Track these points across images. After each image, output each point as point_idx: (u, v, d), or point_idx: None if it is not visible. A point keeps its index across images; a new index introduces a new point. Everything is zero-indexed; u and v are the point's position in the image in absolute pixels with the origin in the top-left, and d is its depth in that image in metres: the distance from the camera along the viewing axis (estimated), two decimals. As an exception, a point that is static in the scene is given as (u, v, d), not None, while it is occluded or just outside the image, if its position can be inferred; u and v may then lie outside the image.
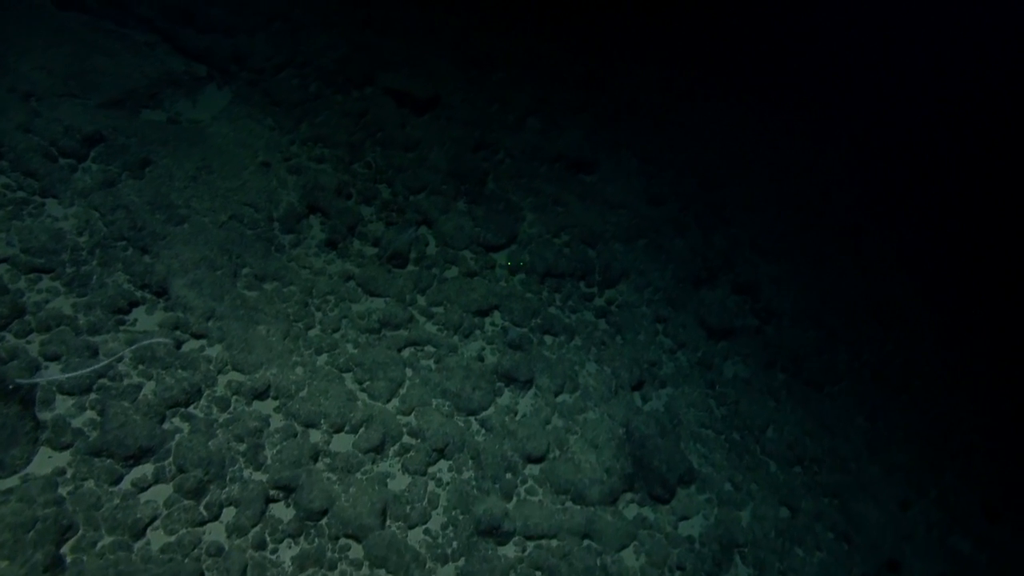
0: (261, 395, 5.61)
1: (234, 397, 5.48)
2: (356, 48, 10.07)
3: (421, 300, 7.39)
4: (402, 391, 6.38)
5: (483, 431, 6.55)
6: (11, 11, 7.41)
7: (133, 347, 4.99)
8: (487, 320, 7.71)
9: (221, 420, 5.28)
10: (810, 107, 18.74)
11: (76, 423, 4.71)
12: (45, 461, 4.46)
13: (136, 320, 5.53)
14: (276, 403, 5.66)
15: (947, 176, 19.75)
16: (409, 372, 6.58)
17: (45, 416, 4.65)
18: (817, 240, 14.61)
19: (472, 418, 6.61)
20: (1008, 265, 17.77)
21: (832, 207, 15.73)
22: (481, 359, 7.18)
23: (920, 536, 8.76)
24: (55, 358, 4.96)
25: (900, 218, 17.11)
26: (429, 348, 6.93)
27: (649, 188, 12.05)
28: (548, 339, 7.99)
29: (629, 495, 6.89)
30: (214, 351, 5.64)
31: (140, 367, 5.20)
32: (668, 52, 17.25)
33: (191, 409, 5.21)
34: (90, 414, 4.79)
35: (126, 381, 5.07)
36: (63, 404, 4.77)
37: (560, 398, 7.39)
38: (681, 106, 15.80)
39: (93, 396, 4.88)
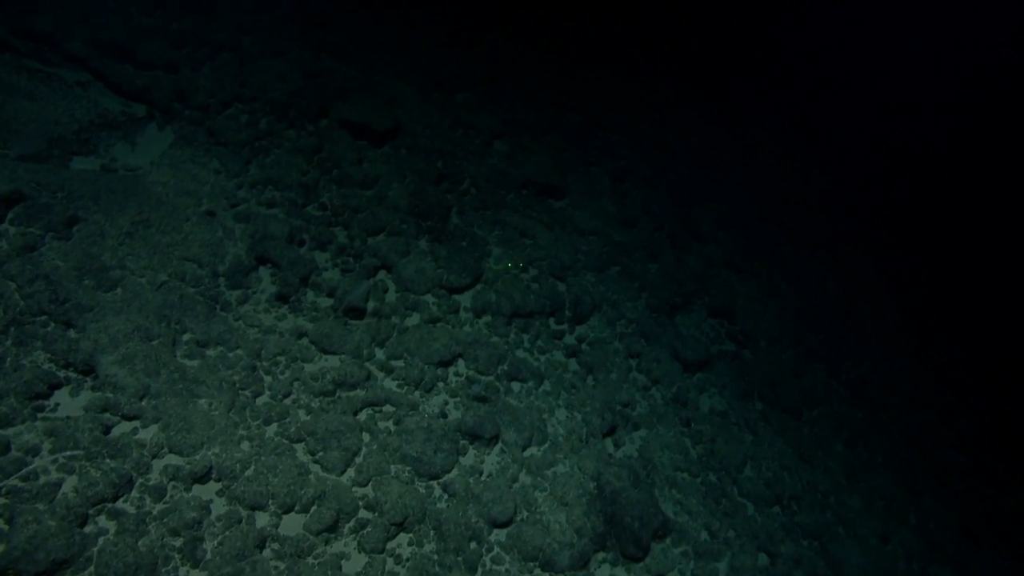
0: (202, 478, 5.19)
1: (171, 484, 5.05)
2: (310, 77, 9.61)
3: (380, 354, 7.00)
4: (358, 460, 5.99)
5: (445, 496, 6.19)
6: (-76, 55, 6.86)
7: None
8: (450, 370, 7.35)
9: (155, 512, 4.86)
10: (786, 118, 18.63)
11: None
12: (-54, 585, 4.01)
13: (58, 404, 5.07)
14: (219, 486, 5.24)
15: (927, 189, 19.79)
16: (366, 437, 6.20)
17: (-52, 530, 4.20)
18: (794, 255, 14.46)
19: (434, 483, 6.25)
20: (988, 279, 17.85)
21: (809, 220, 15.61)
22: (444, 415, 6.82)
23: (901, 570, 8.60)
24: (-39, 459, 4.49)
25: (878, 231, 17.07)
26: (388, 408, 6.55)
27: (621, 210, 11.77)
28: (515, 386, 7.65)
29: (601, 555, 6.58)
30: (148, 433, 5.20)
31: (60, 459, 4.75)
32: (640, 65, 16.98)
33: (120, 504, 4.78)
34: None
35: (42, 479, 4.62)
36: (-30, 512, 4.32)
37: (528, 452, 7.06)
38: (654, 119, 15.55)
39: (2, 500, 4.42)
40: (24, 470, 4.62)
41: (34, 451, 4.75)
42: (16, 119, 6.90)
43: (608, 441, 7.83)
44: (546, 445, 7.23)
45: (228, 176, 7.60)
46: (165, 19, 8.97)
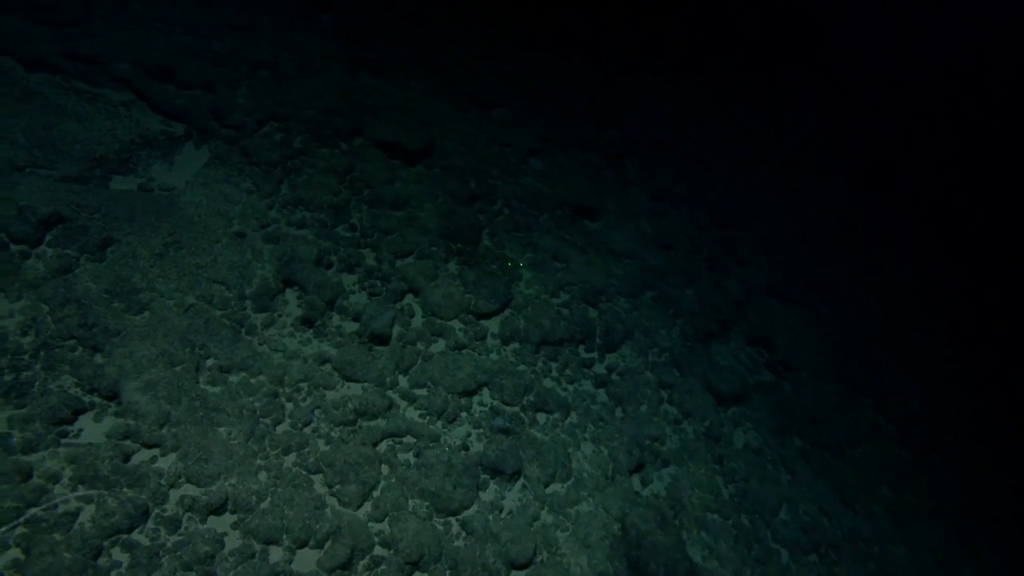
0: (217, 510, 5.14)
1: (186, 515, 5.02)
2: (345, 94, 9.64)
3: (403, 382, 6.89)
4: (376, 494, 5.87)
5: (463, 534, 6.02)
6: (-23, 76, 7.09)
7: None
8: (475, 400, 7.18)
9: (169, 544, 4.82)
10: (829, 136, 17.92)
11: None
12: (-39, 617, 4.04)
13: (81, 430, 5.10)
14: (234, 518, 5.19)
15: (979, 209, 18.75)
16: (385, 470, 6.07)
17: (-34, 558, 4.23)
18: (838, 280, 13.84)
19: (452, 519, 6.08)
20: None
21: (854, 243, 14.95)
22: (465, 448, 6.65)
23: (951, 630, 8.03)
24: (-16, 485, 4.54)
25: (926, 255, 16.23)
26: (408, 439, 6.42)
27: (659, 231, 11.44)
28: (541, 418, 7.43)
29: (625, 603, 6.30)
30: (167, 462, 5.19)
31: (80, 489, 4.77)
32: (679, 80, 16.60)
33: (135, 535, 4.76)
34: (14, 553, 4.36)
35: (61, 508, 4.64)
36: (-12, 540, 4.35)
37: (551, 489, 6.83)
38: (693, 136, 15.14)
39: (21, 530, 4.44)
40: (44, 498, 4.64)
41: (55, 479, 4.78)
42: (63, 140, 7.07)
43: (635, 478, 7.54)
44: (570, 482, 6.99)
45: (260, 196, 7.63)
46: (207, 38, 9.12)
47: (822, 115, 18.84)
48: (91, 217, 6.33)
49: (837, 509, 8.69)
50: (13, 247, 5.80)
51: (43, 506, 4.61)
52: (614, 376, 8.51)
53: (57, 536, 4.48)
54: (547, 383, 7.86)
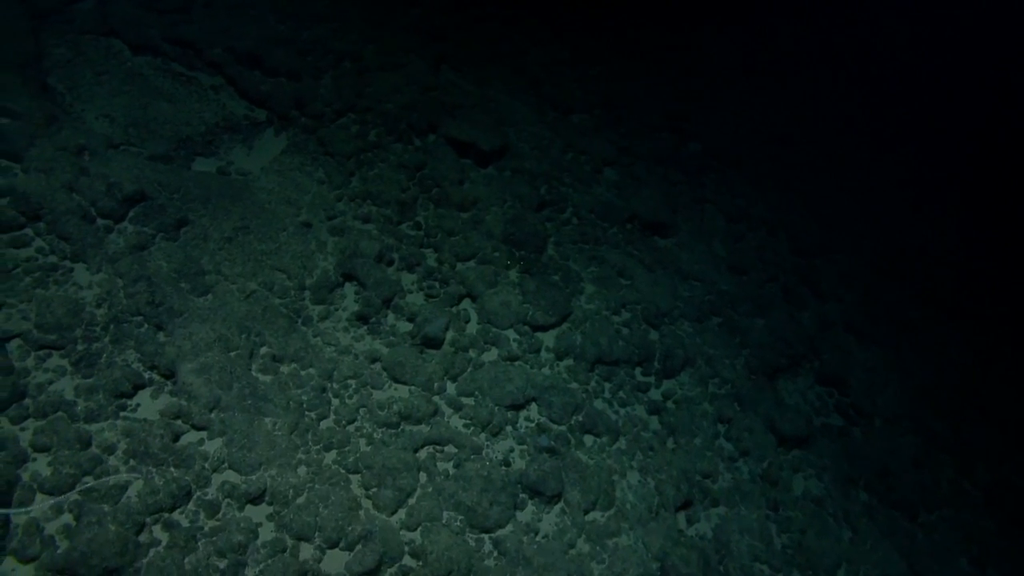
0: (255, 500, 5.20)
1: (225, 501, 5.10)
2: (425, 90, 9.63)
3: (451, 388, 6.79)
4: (411, 501, 5.79)
5: (495, 554, 5.86)
6: (87, 57, 7.49)
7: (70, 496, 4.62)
8: (522, 414, 7.00)
9: (207, 529, 4.91)
10: (928, 162, 16.55)
11: (50, 529, 4.46)
12: (8, 574, 4.22)
13: (139, 405, 5.28)
14: (270, 510, 5.23)
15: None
16: (423, 478, 5.99)
17: (21, 518, 4.43)
18: (924, 321, 12.75)
19: (486, 537, 5.93)
20: None
21: (946, 282, 13.71)
22: (507, 464, 6.48)
23: None
24: (44, 449, 4.76)
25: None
26: (450, 448, 6.31)
27: (733, 254, 10.87)
28: (588, 440, 7.16)
29: (657, 650, 5.97)
30: (213, 446, 5.29)
31: (132, 462, 4.92)
32: (770, 95, 15.75)
33: (176, 515, 4.87)
34: (67, 518, 4.53)
35: (112, 480, 4.79)
36: (42, 504, 4.54)
37: (590, 516, 6.56)
38: (780, 156, 14.33)
39: (75, 496, 4.62)
40: (98, 468, 4.82)
41: (110, 450, 4.95)
42: (155, 120, 7.38)
43: (681, 516, 7.15)
44: (611, 511, 6.69)
45: (330, 187, 7.72)
46: (297, 28, 9.31)
47: (924, 148, 17.46)
48: (171, 197, 6.55)
49: (904, 577, 7.97)
50: (99, 221, 6.08)
51: (96, 476, 4.78)
52: (669, 404, 8.12)
53: (106, 507, 4.63)
54: (598, 404, 7.58)
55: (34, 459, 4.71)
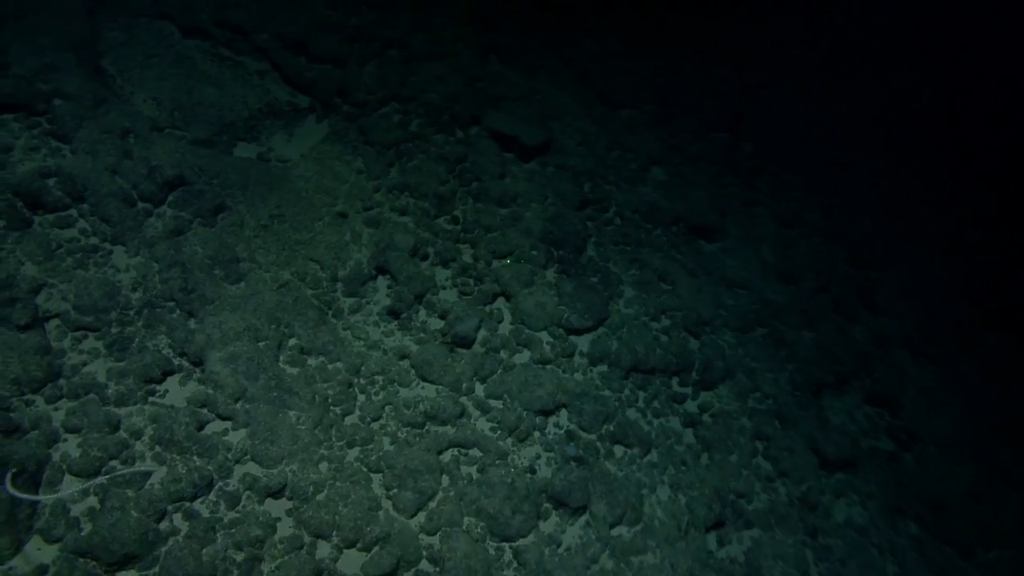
0: (275, 494, 5.17)
1: (246, 493, 5.08)
2: (470, 81, 9.43)
3: (479, 390, 6.63)
4: (432, 504, 5.68)
5: (515, 564, 5.69)
6: (140, 40, 7.57)
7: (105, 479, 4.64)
8: (551, 420, 6.79)
9: (226, 520, 4.89)
10: (997, 170, 15.41)
11: (76, 511, 4.51)
12: (34, 554, 4.28)
13: (167, 391, 5.30)
14: (289, 505, 5.19)
15: None
16: (445, 481, 5.86)
17: (50, 498, 4.49)
18: (990, 343, 11.91)
19: (506, 546, 5.77)
20: None
21: (1012, 300, 12.77)
22: (532, 471, 6.29)
23: None
24: (75, 431, 4.81)
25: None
26: (475, 452, 6.16)
27: (782, 262, 10.35)
28: (618, 451, 6.91)
29: (678, 677, 5.72)
30: (236, 437, 5.28)
31: (157, 449, 4.94)
32: (831, 94, 14.93)
33: (196, 504, 4.87)
34: (92, 501, 4.57)
35: (138, 464, 4.82)
36: (69, 486, 4.59)
37: (616, 531, 6.32)
38: (839, 159, 13.59)
39: (101, 479, 4.66)
40: (124, 453, 4.85)
41: (137, 434, 4.98)
42: (200, 104, 7.41)
43: (711, 536, 6.83)
44: (638, 527, 6.44)
45: (368, 177, 7.63)
46: (346, 13, 9.23)
47: (1000, 155, 16.30)
48: (209, 182, 6.57)
49: (952, 620, 7.46)
50: (140, 204, 6.13)
51: (123, 460, 4.82)
52: (706, 417, 7.77)
53: (130, 492, 4.66)
54: (631, 414, 7.31)
55: (65, 439, 4.77)
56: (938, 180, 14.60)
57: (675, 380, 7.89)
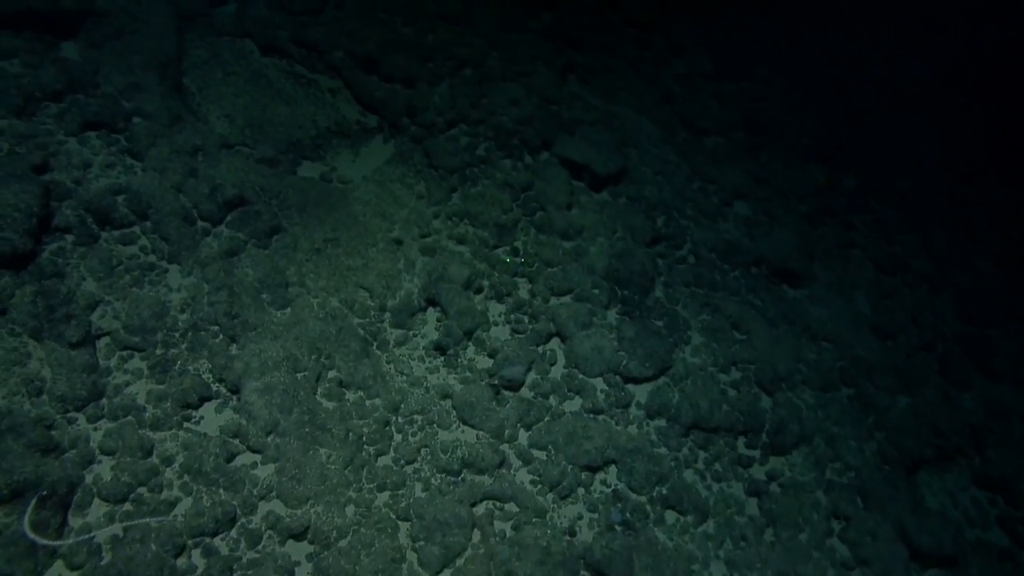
0: (298, 536, 4.99)
1: (267, 533, 4.93)
2: (545, 103, 9.05)
3: (523, 438, 6.22)
4: (459, 562, 5.32)
5: (544, 640, 5.24)
6: (221, 58, 7.73)
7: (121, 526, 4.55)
8: (597, 477, 6.28)
9: (244, 560, 4.76)
10: None
11: (99, 537, 4.49)
12: (54, 580, 4.29)
13: (201, 418, 5.25)
14: (310, 549, 5.00)
15: None
16: (476, 537, 5.50)
17: (76, 521, 4.50)
18: None
19: (535, 618, 5.33)
20: None
21: None
22: (572, 534, 5.81)
23: None
24: (110, 453, 4.83)
25: None
26: (511, 507, 5.75)
27: (879, 314, 9.29)
28: (670, 517, 6.30)
29: None
30: (264, 472, 5.15)
31: (185, 478, 4.88)
32: (945, 120, 13.38)
33: (217, 540, 4.76)
34: (115, 528, 4.55)
35: (164, 494, 4.77)
36: (97, 510, 4.59)
37: (661, 613, 5.72)
38: (957, 194, 12.15)
39: (127, 507, 4.63)
40: (153, 480, 4.82)
41: (168, 461, 4.95)
42: (271, 122, 7.48)
43: (772, 631, 6.09)
44: (687, 611, 5.81)
45: (428, 203, 7.42)
46: (423, 31, 9.10)
47: None
48: (268, 203, 6.55)
49: None
50: (199, 224, 6.19)
51: (151, 488, 4.78)
52: (774, 487, 6.99)
53: (152, 523, 4.60)
54: (688, 476, 6.67)
55: (99, 461, 4.80)
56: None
57: (741, 441, 7.16)
